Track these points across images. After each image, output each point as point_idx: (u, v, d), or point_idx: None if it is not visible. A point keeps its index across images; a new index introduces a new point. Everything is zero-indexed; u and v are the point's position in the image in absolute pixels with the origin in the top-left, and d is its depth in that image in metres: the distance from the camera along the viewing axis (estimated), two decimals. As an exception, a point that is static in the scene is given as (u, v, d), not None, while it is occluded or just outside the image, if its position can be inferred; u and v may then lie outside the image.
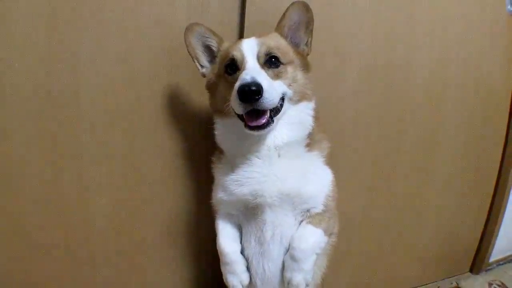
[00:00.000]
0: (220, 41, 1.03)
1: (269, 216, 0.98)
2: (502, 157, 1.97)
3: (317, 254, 1.01)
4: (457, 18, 1.66)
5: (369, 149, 1.56)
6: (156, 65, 1.16)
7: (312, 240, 0.98)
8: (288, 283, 0.99)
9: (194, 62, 1.05)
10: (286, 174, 0.95)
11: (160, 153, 1.24)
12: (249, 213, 1.01)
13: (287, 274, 0.99)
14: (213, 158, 1.07)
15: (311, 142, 1.01)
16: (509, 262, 2.29)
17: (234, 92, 0.85)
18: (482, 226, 2.02)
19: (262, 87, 0.82)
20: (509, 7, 1.83)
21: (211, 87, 1.04)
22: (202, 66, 1.05)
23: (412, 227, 1.77)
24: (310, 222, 0.99)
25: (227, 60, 0.95)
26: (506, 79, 1.84)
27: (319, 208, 0.99)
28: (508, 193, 1.96)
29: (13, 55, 1.01)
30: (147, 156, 1.22)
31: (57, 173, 1.12)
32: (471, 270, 2.10)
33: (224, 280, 1.05)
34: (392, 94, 1.54)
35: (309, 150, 1.01)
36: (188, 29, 1.01)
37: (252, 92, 0.81)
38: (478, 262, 2.08)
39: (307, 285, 0.99)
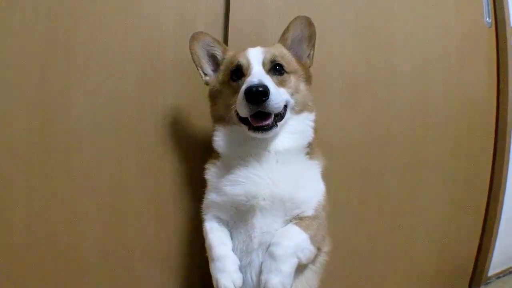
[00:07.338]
0: (225, 50, 1.06)
1: (258, 221, 0.94)
2: (492, 168, 1.94)
3: (299, 259, 0.91)
4: (436, 31, 1.67)
5: (356, 167, 1.53)
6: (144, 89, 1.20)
7: (296, 240, 0.90)
8: (264, 287, 0.87)
9: (198, 70, 1.06)
10: (281, 179, 0.94)
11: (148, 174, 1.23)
12: (238, 218, 0.97)
13: (263, 276, 0.88)
14: (207, 165, 1.05)
15: (311, 151, 1.02)
16: (508, 274, 2.25)
17: (241, 95, 0.86)
18: (478, 241, 1.98)
19: (269, 89, 0.85)
20: (487, 19, 1.84)
21: (214, 95, 1.05)
22: (205, 74, 1.07)
23: (405, 246, 1.72)
24: (297, 224, 0.94)
25: (233, 66, 0.97)
26: (488, 91, 1.84)
27: (309, 212, 0.95)
28: (501, 207, 1.93)
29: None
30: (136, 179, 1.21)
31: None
32: (469, 286, 2.04)
33: (214, 283, 0.92)
34: (376, 110, 1.54)
35: (310, 158, 1.02)
36: (194, 37, 1.03)
37: (259, 93, 0.83)
38: (477, 277, 2.02)
39: None
